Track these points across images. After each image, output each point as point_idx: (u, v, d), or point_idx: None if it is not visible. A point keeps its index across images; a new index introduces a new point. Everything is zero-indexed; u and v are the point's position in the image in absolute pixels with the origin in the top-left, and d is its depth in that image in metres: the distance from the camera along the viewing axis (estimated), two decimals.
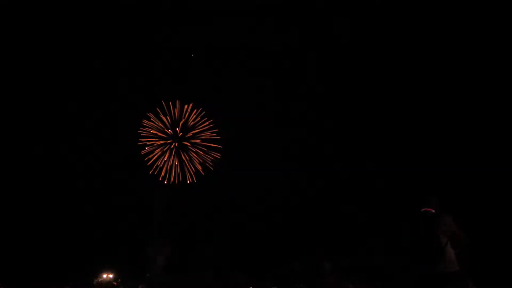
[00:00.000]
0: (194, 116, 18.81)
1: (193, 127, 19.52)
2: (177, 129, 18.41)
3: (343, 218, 28.94)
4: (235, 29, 28.66)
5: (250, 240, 31.43)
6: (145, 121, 18.62)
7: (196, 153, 19.60)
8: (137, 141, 20.38)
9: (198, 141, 19.00)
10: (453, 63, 25.59)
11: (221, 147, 19.70)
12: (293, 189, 32.01)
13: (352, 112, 30.62)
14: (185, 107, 18.76)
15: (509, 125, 22.53)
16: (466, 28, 24.66)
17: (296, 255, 29.62)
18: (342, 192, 30.01)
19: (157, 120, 18.82)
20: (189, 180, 19.44)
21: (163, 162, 19.57)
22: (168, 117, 19.20)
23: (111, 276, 31.19)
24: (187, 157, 19.21)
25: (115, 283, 31.06)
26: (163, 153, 19.02)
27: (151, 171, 20.14)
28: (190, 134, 19.96)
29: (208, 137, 19.04)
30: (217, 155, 19.20)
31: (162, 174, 19.50)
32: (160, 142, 19.35)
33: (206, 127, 18.86)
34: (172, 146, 19.93)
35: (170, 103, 19.07)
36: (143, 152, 18.99)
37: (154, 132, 19.35)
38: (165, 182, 19.86)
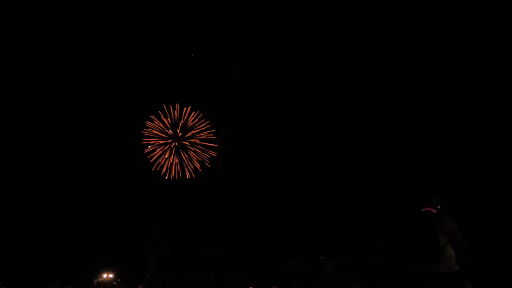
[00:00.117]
0: (193, 118, 20.71)
1: (192, 128, 21.42)
2: (177, 129, 20.17)
3: (343, 218, 28.98)
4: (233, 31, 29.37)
5: (250, 240, 31.46)
6: (148, 122, 20.62)
7: (194, 151, 20.35)
8: (138, 141, 21.50)
9: (197, 140, 21.00)
10: (453, 63, 25.60)
11: (217, 146, 21.33)
12: (293, 189, 32.05)
13: (352, 112, 30.66)
14: (184, 109, 20.54)
15: (509, 125, 22.56)
16: (467, 28, 24.69)
17: (296, 255, 29.63)
18: (342, 192, 30.04)
19: (158, 122, 20.63)
20: (188, 176, 21.46)
21: (164, 160, 21.55)
22: (168, 119, 21.00)
23: (111, 276, 31.21)
24: (186, 155, 21.23)
25: (115, 283, 31.07)
26: (164, 152, 20.85)
27: (153, 168, 22.02)
28: (189, 134, 21.92)
29: (205, 137, 20.95)
30: (213, 153, 19.92)
31: (164, 170, 21.69)
32: (161, 142, 21.25)
33: (203, 128, 20.65)
34: (172, 146, 21.89)
35: (171, 105, 20.94)
36: (146, 150, 20.88)
37: (156, 132, 21.23)
38: (166, 177, 21.45)
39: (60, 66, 30.13)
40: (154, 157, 20.09)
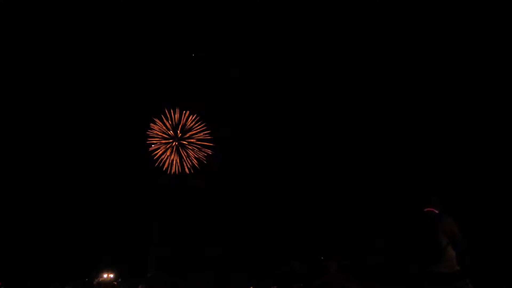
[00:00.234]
0: (191, 120, 23.64)
1: (190, 129, 24.37)
2: (177, 131, 23.52)
3: (343, 218, 28.98)
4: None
5: (250, 240, 31.46)
6: (152, 124, 23.61)
7: (192, 150, 23.86)
8: (138, 141, 25.34)
9: (194, 140, 23.78)
10: (453, 63, 25.61)
11: (213, 144, 24.34)
12: (293, 189, 32.06)
13: (352, 112, 30.67)
14: (184, 112, 23.62)
15: (509, 125, 22.56)
16: (466, 28, 24.70)
17: (296, 255, 29.64)
18: (342, 192, 30.04)
19: (161, 124, 23.66)
20: (187, 171, 24.26)
21: (166, 157, 24.54)
22: (170, 121, 24.01)
23: (111, 275, 31.22)
24: (185, 153, 24.15)
25: (115, 283, 31.08)
26: (166, 150, 23.86)
27: (156, 164, 24.80)
28: (187, 135, 24.72)
29: (202, 137, 23.54)
30: (209, 151, 22.66)
31: (165, 166, 24.56)
32: (163, 141, 24.22)
33: (200, 129, 23.70)
34: (173, 145, 24.82)
35: (171, 109, 23.53)
36: (150, 149, 23.89)
37: (158, 133, 24.07)
38: (168, 172, 24.30)
39: (60, 66, 30.19)
40: (157, 155, 23.10)
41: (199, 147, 24.46)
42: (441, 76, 26.29)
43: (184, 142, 25.36)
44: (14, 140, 30.38)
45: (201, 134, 24.81)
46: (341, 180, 30.03)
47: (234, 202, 31.79)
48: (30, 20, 28.49)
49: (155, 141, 24.09)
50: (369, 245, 26.78)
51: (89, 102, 31.02)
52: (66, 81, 30.62)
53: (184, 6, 30.26)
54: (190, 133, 24.79)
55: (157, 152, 24.79)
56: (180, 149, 25.54)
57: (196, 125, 24.82)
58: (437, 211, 4.78)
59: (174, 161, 25.36)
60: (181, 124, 24.83)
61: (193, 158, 24.39)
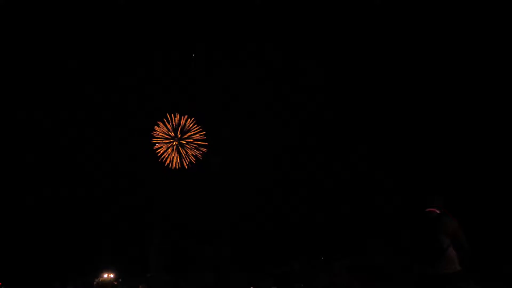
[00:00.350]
0: (188, 123, 28.75)
1: (188, 131, 29.24)
2: (177, 132, 28.48)
3: (343, 218, 28.97)
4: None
5: (250, 240, 31.47)
6: (156, 127, 28.68)
7: (190, 148, 28.62)
8: (138, 144, 29.38)
9: (191, 140, 28.63)
10: (454, 63, 25.64)
11: (207, 143, 29.13)
12: (293, 189, 32.06)
13: (352, 112, 30.69)
14: (183, 117, 28.80)
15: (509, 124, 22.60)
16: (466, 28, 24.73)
17: (296, 256, 29.65)
18: (342, 192, 30.03)
19: (163, 126, 28.62)
20: (186, 167, 28.74)
21: (167, 155, 29.26)
22: (170, 124, 28.99)
23: (111, 276, 31.23)
24: (184, 151, 28.80)
25: (115, 283, 31.09)
26: (167, 149, 28.74)
27: (159, 160, 29.01)
28: (186, 136, 29.42)
29: (198, 137, 28.76)
30: (204, 149, 28.36)
31: (167, 162, 28.87)
32: (165, 141, 29.02)
33: (196, 131, 28.63)
34: (173, 144, 29.46)
35: (172, 114, 29.03)
36: (154, 147, 28.65)
37: (162, 134, 29.04)
38: (169, 166, 28.50)
39: (67, 72, 30.70)
40: (160, 153, 28.05)
41: (196, 145, 29.34)
42: (442, 76, 26.32)
43: (183, 142, 29.62)
44: (17, 142, 30.48)
45: (197, 134, 29.65)
46: (341, 180, 30.05)
47: (234, 202, 31.81)
48: (35, 22, 28.66)
49: (158, 141, 29.04)
50: (369, 245, 26.81)
51: (88, 109, 31.68)
52: (75, 88, 31.23)
53: (183, 7, 30.35)
54: (188, 134, 29.39)
55: (159, 150, 29.38)
56: (180, 148, 29.80)
57: (194, 126, 29.55)
58: (439, 212, 4.78)
59: (175, 158, 29.79)
60: (180, 126, 29.41)
61: (190, 155, 29.15)
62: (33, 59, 30.02)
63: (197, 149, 29.92)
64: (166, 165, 29.07)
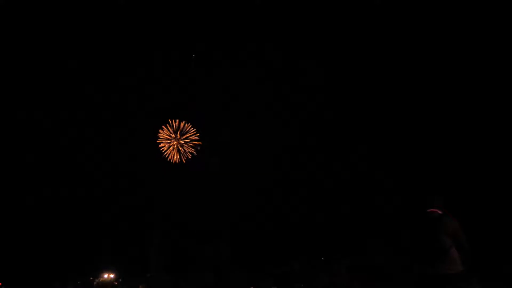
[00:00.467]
0: (187, 127, 33.87)
1: (187, 132, 34.11)
2: (177, 134, 33.62)
3: (343, 218, 28.96)
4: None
5: (250, 240, 31.47)
6: (161, 130, 33.68)
7: (187, 147, 33.64)
8: (138, 146, 33.37)
9: (188, 140, 33.90)
10: (454, 63, 25.63)
11: (200, 143, 33.83)
12: (293, 189, 32.06)
13: (352, 112, 30.68)
14: (181, 122, 33.70)
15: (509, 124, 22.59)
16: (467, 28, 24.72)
17: (296, 256, 29.65)
18: (342, 192, 30.02)
19: (166, 129, 33.96)
20: (184, 161, 33.60)
21: (169, 152, 34.14)
22: (171, 128, 33.97)
23: (112, 276, 31.24)
24: (182, 149, 33.91)
25: (115, 283, 31.11)
26: (169, 147, 33.99)
27: (162, 155, 33.54)
28: (184, 137, 34.29)
29: (194, 137, 33.69)
30: (199, 143, 33.02)
31: (169, 158, 33.66)
32: (167, 141, 34.12)
33: (193, 133, 33.70)
34: (174, 143, 34.34)
35: (172, 120, 33.98)
36: (159, 146, 33.63)
37: (165, 136, 34.07)
38: (171, 161, 33.06)
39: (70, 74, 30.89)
40: (163, 150, 33.27)
41: (192, 144, 34.52)
42: (442, 76, 26.31)
43: (181, 142, 34.49)
44: (16, 142, 30.51)
45: (194, 136, 34.57)
46: (341, 180, 30.04)
47: (234, 202, 31.82)
48: (36, 22, 28.71)
49: (162, 141, 34.29)
50: (369, 245, 26.81)
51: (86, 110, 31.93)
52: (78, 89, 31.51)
53: (183, 7, 30.39)
54: (186, 135, 34.30)
55: (163, 149, 34.34)
56: (179, 147, 34.55)
57: (191, 129, 34.48)
58: (440, 212, 4.78)
59: (175, 156, 34.53)
60: (180, 129, 34.43)
61: (187, 153, 34.25)
62: (33, 59, 30.05)
63: (193, 147, 34.58)
64: (168, 160, 33.83)
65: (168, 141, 33.91)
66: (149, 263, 31.83)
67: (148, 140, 34.30)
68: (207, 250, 32.05)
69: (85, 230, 31.06)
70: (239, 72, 32.15)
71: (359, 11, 28.17)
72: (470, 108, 24.77)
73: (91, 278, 31.43)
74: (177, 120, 33.55)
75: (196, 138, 34.06)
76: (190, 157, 33.86)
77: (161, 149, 33.73)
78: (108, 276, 31.15)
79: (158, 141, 33.75)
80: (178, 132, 33.84)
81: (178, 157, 33.88)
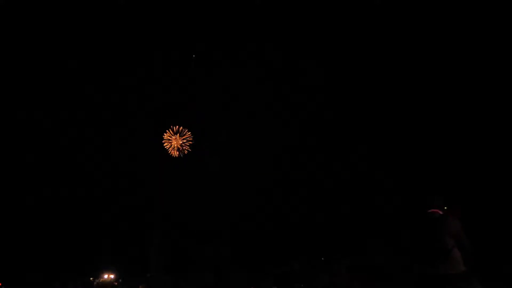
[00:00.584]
0: (183, 131, 35.82)
1: (184, 134, 36.02)
2: (177, 136, 35.84)
3: (343, 218, 28.97)
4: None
5: (250, 240, 31.48)
6: (164, 134, 35.72)
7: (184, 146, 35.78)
8: (137, 146, 34.99)
9: (185, 141, 35.86)
10: (454, 63, 25.63)
11: (192, 142, 36.07)
12: (293, 189, 32.07)
13: (352, 111, 30.68)
14: (180, 127, 35.67)
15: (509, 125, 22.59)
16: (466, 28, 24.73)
17: (296, 256, 29.65)
18: (342, 192, 30.02)
19: (168, 133, 36.09)
20: (181, 155, 36.20)
21: (170, 150, 35.96)
22: (172, 131, 35.85)
23: (112, 276, 31.26)
24: (180, 148, 36.10)
25: (115, 283, 31.11)
26: (170, 147, 35.95)
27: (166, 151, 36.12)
28: (182, 138, 36.02)
29: (189, 138, 35.71)
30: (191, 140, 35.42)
31: (172, 153, 36.06)
32: (169, 142, 35.91)
33: (188, 135, 35.76)
34: (174, 144, 35.56)
35: (172, 125, 35.93)
36: (164, 145, 35.94)
37: (167, 137, 35.86)
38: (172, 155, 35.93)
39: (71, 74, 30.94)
40: (167, 147, 35.72)
41: (188, 144, 36.65)
42: (442, 76, 26.31)
43: (180, 142, 36.65)
44: (17, 140, 30.51)
45: (190, 138, 36.85)
46: (341, 180, 30.04)
47: (234, 202, 31.83)
48: (36, 22, 28.72)
49: (165, 141, 36.41)
50: (369, 245, 26.81)
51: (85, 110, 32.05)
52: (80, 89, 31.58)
53: (183, 7, 30.41)
54: (184, 137, 36.53)
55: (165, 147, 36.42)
56: (179, 146, 36.59)
57: (186, 133, 36.76)
58: (441, 212, 4.78)
59: (174, 151, 36.45)
60: (179, 133, 36.51)
61: (185, 151, 36.74)
62: (33, 59, 30.05)
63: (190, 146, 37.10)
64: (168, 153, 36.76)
65: (170, 142, 36.19)
66: (149, 263, 31.85)
67: (148, 140, 34.56)
68: (207, 250, 32.07)
69: (85, 230, 31.09)
70: (239, 72, 32.18)
71: (359, 11, 28.19)
72: (470, 108, 24.78)
73: (91, 278, 31.42)
74: (177, 126, 36.35)
75: (191, 138, 36.47)
76: (186, 153, 36.77)
77: (165, 145, 36.37)
78: (108, 276, 31.17)
79: (163, 142, 36.28)
80: (177, 135, 36.12)
81: (177, 154, 36.43)
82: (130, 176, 32.52)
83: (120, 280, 31.64)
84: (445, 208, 4.84)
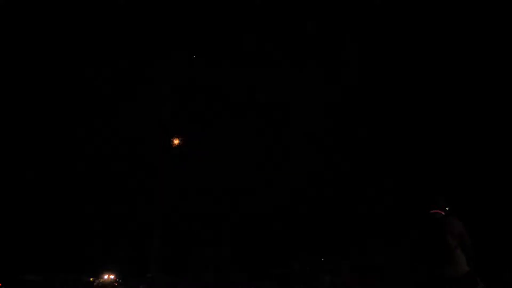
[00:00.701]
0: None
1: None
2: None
3: (343, 218, 28.98)
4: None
5: (250, 240, 31.49)
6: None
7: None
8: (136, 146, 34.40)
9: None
10: (454, 63, 25.65)
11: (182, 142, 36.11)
12: (293, 189, 32.03)
13: (352, 112, 30.67)
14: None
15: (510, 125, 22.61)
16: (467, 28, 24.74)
17: (297, 256, 29.68)
18: (342, 191, 30.02)
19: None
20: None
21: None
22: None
23: (112, 276, 31.26)
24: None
25: (116, 284, 31.10)
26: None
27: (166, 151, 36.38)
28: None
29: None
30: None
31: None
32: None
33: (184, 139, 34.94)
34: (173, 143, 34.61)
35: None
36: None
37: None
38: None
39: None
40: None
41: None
42: (442, 76, 26.32)
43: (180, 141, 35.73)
44: (16, 135, 30.56)
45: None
46: (341, 180, 30.05)
47: (235, 203, 31.83)
48: (36, 22, 28.73)
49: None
50: (369, 245, 26.84)
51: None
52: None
53: (182, 7, 30.43)
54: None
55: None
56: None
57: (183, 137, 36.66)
58: (443, 213, 4.77)
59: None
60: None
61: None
62: (33, 59, 30.04)
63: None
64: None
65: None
66: (149, 264, 31.85)
67: (148, 140, 34.35)
68: (207, 250, 32.08)
69: (85, 230, 31.09)
70: (239, 72, 32.13)
71: (359, 11, 28.19)
72: (470, 108, 24.79)
73: (91, 278, 31.41)
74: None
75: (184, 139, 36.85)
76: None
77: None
78: (108, 276, 31.17)
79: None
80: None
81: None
82: (130, 176, 32.53)
83: (120, 281, 31.63)
84: (447, 208, 4.82)
